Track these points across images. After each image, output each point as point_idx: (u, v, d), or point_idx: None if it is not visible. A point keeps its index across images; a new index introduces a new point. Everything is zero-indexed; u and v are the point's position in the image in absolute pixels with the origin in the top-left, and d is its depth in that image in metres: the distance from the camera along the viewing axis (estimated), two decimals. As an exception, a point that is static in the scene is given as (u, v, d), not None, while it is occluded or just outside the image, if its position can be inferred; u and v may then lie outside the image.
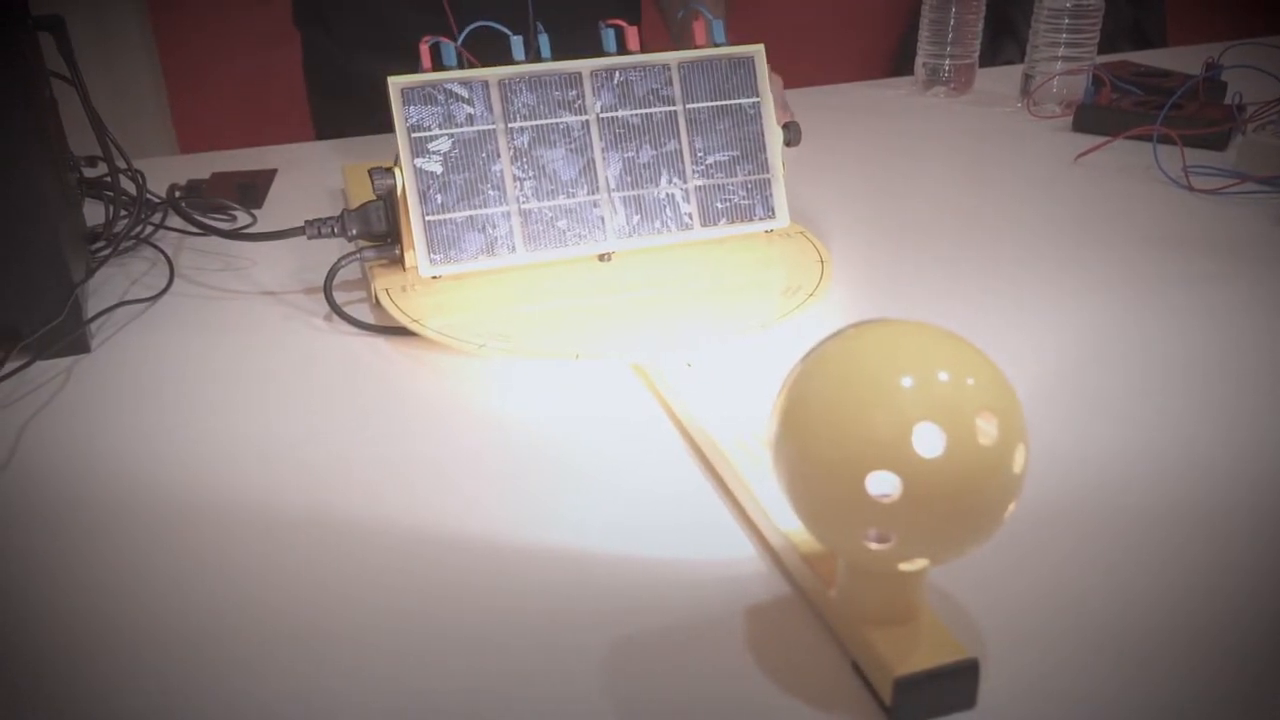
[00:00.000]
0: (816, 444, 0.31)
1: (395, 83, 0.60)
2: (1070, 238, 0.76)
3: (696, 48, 0.66)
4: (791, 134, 0.68)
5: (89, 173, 0.74)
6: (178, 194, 0.75)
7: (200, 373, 0.59)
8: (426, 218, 0.61)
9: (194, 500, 0.47)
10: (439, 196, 0.61)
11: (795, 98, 0.97)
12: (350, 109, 1.06)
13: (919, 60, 1.11)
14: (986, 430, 0.30)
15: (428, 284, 0.62)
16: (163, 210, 0.75)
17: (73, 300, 0.58)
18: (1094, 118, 0.97)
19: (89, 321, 0.60)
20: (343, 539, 0.45)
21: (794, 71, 0.93)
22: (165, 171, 0.88)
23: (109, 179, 0.70)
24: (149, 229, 0.74)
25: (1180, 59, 1.28)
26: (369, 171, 0.61)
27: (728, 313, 0.60)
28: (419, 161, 0.61)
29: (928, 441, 0.30)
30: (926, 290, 0.68)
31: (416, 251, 0.61)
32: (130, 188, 0.72)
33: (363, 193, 0.79)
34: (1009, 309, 0.65)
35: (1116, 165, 0.89)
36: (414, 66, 0.62)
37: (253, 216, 0.78)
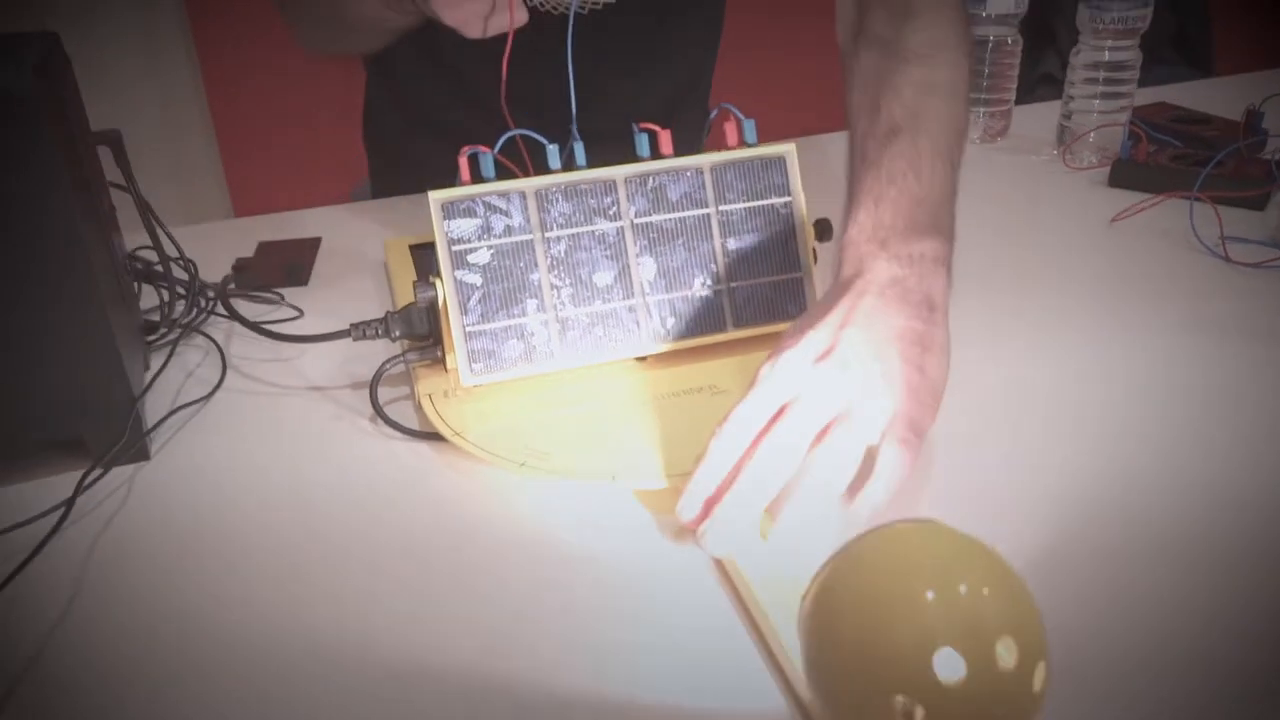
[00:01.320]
0: (843, 666, 0.33)
1: (435, 198, 0.62)
2: (1101, 310, 0.76)
3: (728, 148, 0.67)
4: (823, 230, 0.69)
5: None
6: (230, 284, 0.77)
7: (251, 478, 0.61)
8: (467, 328, 0.63)
9: (251, 619, 0.50)
10: (479, 307, 0.63)
11: (821, 143, 0.97)
12: (406, 170, 1.09)
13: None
14: (1006, 655, 0.32)
15: (470, 388, 0.64)
16: (216, 296, 0.78)
17: (134, 415, 0.61)
18: (1130, 173, 0.96)
19: (148, 433, 0.63)
20: (375, 653, 0.47)
21: (822, 114, 0.92)
22: (214, 243, 0.91)
23: (162, 266, 0.73)
24: (201, 315, 0.77)
25: (1221, 93, 1.26)
26: (413, 284, 0.63)
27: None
28: (459, 274, 0.63)
29: (949, 667, 0.31)
30: (955, 356, 0.67)
31: (457, 361, 0.63)
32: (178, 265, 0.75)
33: (403, 268, 0.82)
34: (1038, 382, 0.66)
35: (1153, 228, 0.89)
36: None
37: (298, 310, 0.80)
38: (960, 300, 0.60)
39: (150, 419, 0.65)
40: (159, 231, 0.74)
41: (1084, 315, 0.76)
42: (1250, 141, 0.96)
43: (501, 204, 0.63)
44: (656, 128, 0.66)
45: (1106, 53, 0.99)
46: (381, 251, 0.91)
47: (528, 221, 0.63)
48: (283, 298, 0.83)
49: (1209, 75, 2.26)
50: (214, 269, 0.85)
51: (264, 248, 0.91)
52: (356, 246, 0.93)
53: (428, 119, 1.07)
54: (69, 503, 0.57)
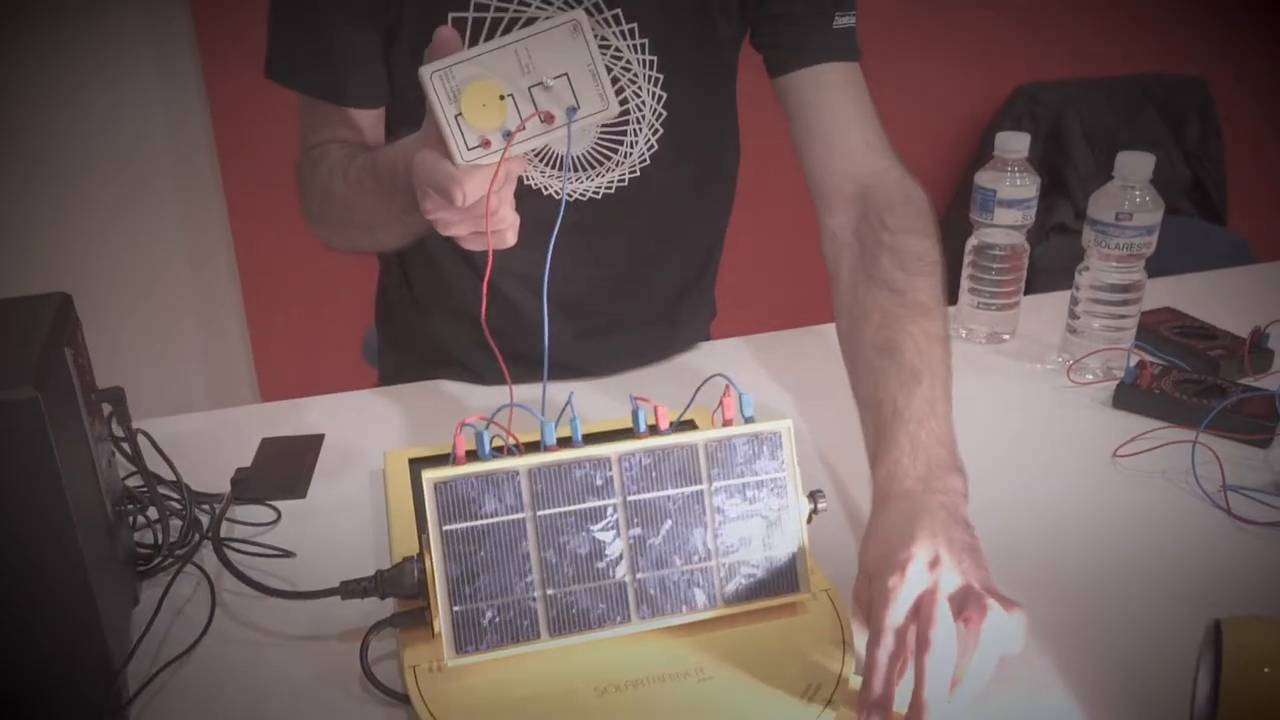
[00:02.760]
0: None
1: (429, 477, 0.63)
2: (1096, 559, 0.77)
3: (726, 423, 0.68)
4: (820, 502, 0.69)
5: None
6: (228, 508, 0.77)
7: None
8: (454, 609, 0.62)
9: None
10: (467, 588, 0.63)
11: (820, 336, 0.95)
12: (417, 362, 1.10)
13: (956, 308, 1.12)
14: None
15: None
16: (209, 530, 0.78)
17: (113, 688, 0.60)
18: (1134, 399, 0.96)
19: (128, 704, 0.63)
20: None
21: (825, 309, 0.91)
22: (220, 433, 0.92)
23: (159, 515, 0.74)
24: (195, 544, 0.77)
25: (1229, 286, 1.26)
26: (403, 559, 0.63)
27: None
28: (449, 555, 0.62)
29: None
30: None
31: (443, 641, 0.62)
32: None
33: (401, 490, 0.82)
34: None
35: (1155, 467, 0.88)
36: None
37: (290, 553, 0.79)
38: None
39: (133, 670, 0.65)
40: (160, 453, 0.75)
41: (1079, 561, 0.77)
42: (1256, 390, 0.96)
43: (495, 484, 0.63)
44: (653, 403, 0.67)
45: (1112, 275, 0.99)
46: (383, 453, 0.91)
47: (520, 499, 0.64)
48: (279, 514, 0.83)
49: (1222, 225, 2.28)
50: (217, 467, 0.86)
51: (266, 447, 0.92)
52: (359, 445, 0.94)
53: (438, 302, 1.08)
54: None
